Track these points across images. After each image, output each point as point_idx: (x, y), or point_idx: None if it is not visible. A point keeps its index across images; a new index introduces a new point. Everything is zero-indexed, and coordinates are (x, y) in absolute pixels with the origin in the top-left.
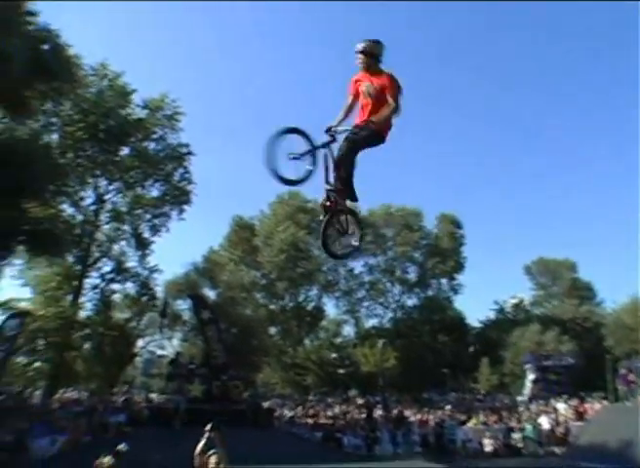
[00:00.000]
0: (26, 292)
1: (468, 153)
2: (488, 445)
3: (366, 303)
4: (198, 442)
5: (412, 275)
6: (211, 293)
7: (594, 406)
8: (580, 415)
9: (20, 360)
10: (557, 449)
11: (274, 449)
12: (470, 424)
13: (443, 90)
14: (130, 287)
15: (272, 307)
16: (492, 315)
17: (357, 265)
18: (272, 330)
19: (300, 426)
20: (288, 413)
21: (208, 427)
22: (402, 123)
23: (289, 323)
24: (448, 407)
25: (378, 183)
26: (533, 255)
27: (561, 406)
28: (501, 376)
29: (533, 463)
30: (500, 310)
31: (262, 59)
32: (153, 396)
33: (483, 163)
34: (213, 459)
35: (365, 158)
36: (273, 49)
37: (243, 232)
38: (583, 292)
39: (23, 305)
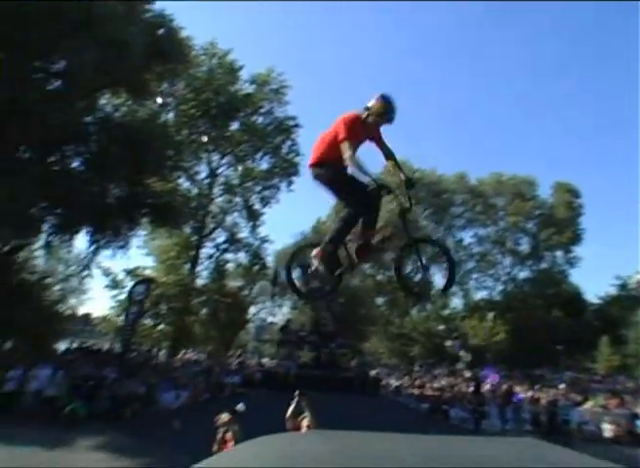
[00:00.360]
0: (150, 261)
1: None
2: (608, 430)
3: (475, 275)
4: (288, 406)
5: (524, 247)
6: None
7: None
8: None
9: (147, 322)
10: None
11: (381, 417)
12: (587, 406)
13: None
14: (242, 256)
15: (380, 277)
16: (613, 291)
17: (466, 236)
18: (379, 300)
19: (406, 396)
20: (394, 383)
21: (296, 392)
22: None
23: (396, 293)
24: (562, 385)
25: (487, 151)
26: None
27: None
28: (624, 358)
29: None
30: (623, 286)
31: (370, 27)
32: (265, 361)
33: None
34: (304, 423)
35: (474, 124)
36: (382, 14)
37: None
38: None
39: (148, 273)
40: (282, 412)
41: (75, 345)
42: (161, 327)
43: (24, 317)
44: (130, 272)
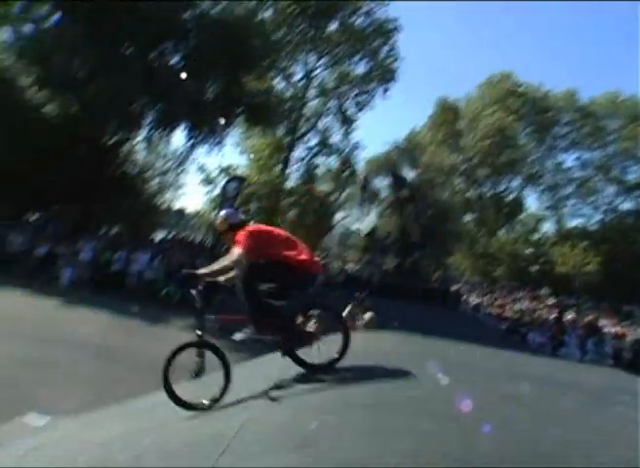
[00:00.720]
0: (243, 160)
1: None
2: None
3: (572, 201)
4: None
5: (632, 176)
6: (410, 174)
7: None
8: None
9: None
10: None
11: (458, 331)
12: None
13: None
14: (333, 161)
15: (470, 194)
16: None
17: (568, 159)
18: (467, 217)
19: (485, 314)
20: (474, 300)
21: (357, 294)
22: None
23: (485, 212)
24: None
25: (605, 67)
26: None
27: None
28: None
29: None
30: None
31: None
32: (347, 267)
33: None
34: (359, 323)
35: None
36: None
37: (447, 114)
38: None
39: (241, 171)
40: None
41: (171, 236)
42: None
43: (127, 206)
44: (224, 169)
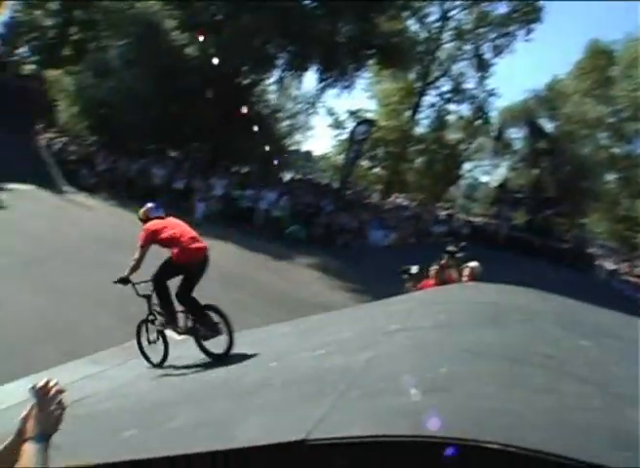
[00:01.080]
0: (373, 105)
1: None
2: None
3: None
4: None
5: None
6: (548, 126)
7: None
8: None
9: (364, 164)
10: None
11: (589, 297)
12: None
13: None
14: (465, 108)
15: (616, 150)
16: None
17: None
18: (610, 176)
19: (621, 282)
20: (610, 266)
21: (450, 247)
22: None
23: (632, 171)
24: None
25: None
26: None
27: None
28: None
29: None
30: None
31: None
32: (474, 219)
33: None
34: (454, 274)
35: None
36: None
37: (599, 59)
38: None
39: (370, 116)
40: (486, 269)
41: (299, 177)
42: (376, 170)
43: (258, 146)
44: (353, 113)
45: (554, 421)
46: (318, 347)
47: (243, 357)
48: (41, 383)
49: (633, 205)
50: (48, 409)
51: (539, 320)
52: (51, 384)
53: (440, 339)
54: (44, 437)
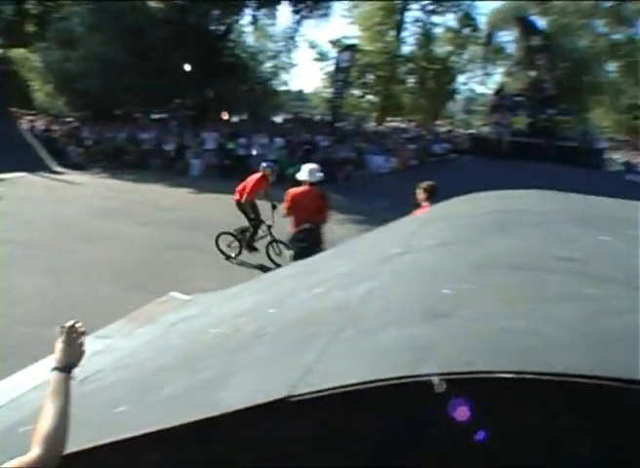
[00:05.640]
0: (355, 31)
1: None
2: None
3: None
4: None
5: None
6: (541, 22)
7: None
8: None
9: (356, 93)
10: None
11: (604, 193)
12: None
13: None
14: (451, 19)
15: (616, 37)
16: None
17: None
18: (612, 65)
19: (635, 173)
20: (621, 158)
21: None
22: None
23: (635, 55)
24: None
25: None
26: None
27: None
28: None
29: None
30: None
31: None
32: (474, 130)
33: None
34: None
35: None
36: None
37: None
38: None
39: (354, 42)
40: (492, 178)
41: (291, 117)
42: (369, 97)
43: (244, 92)
44: (335, 42)
45: (580, 333)
46: (318, 285)
47: (241, 307)
48: (70, 323)
49: (637, 92)
50: (74, 344)
51: (551, 221)
52: (77, 325)
53: (443, 258)
54: (69, 368)
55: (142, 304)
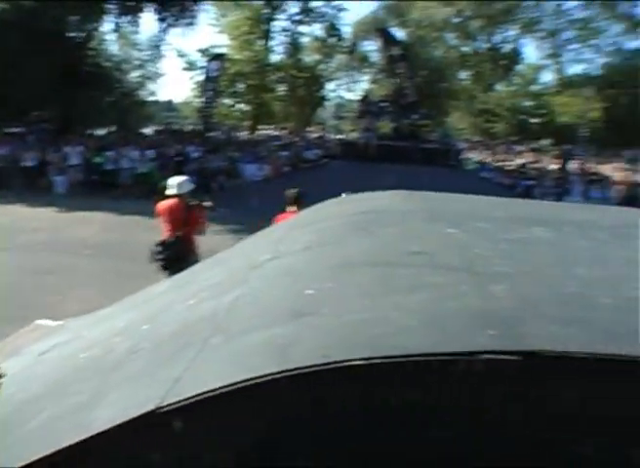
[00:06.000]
0: (224, 39)
1: None
2: None
3: (573, 46)
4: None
5: None
6: (400, 34)
7: None
8: None
9: (227, 102)
10: None
11: (463, 189)
12: None
13: None
14: (317, 29)
15: (465, 49)
16: None
17: None
18: (463, 74)
19: (489, 170)
20: (477, 158)
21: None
22: None
23: (481, 66)
24: None
25: None
26: None
27: None
28: None
29: None
30: None
31: None
32: (345, 136)
33: None
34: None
35: None
36: None
37: None
38: None
39: (222, 51)
40: (361, 181)
41: (162, 128)
42: (240, 106)
43: (110, 103)
44: (204, 51)
45: (425, 318)
46: (192, 297)
47: (115, 327)
48: None
49: (488, 97)
50: None
51: (407, 219)
52: None
53: (309, 261)
54: None
55: (2, 337)
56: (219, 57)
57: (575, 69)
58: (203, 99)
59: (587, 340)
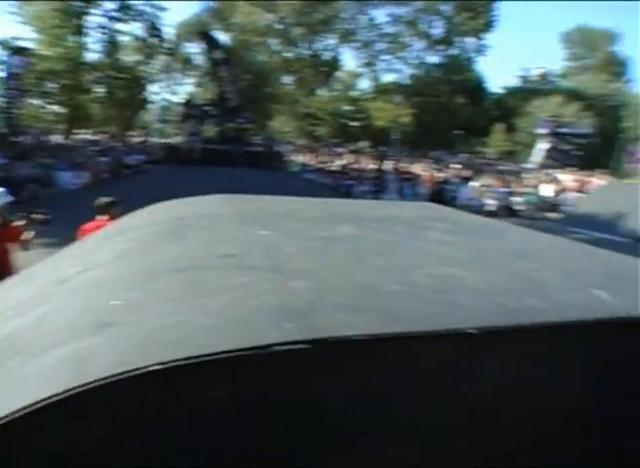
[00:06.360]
0: (29, 32)
1: None
2: (489, 205)
3: (385, 57)
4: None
5: (438, 31)
6: (223, 37)
7: (598, 180)
8: (582, 188)
9: (36, 102)
10: (554, 216)
11: (286, 190)
12: (475, 184)
13: None
14: (137, 27)
15: (287, 55)
16: (516, 83)
17: (379, 15)
18: (287, 79)
19: (311, 172)
20: (300, 160)
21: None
22: None
23: (304, 72)
24: (456, 166)
25: None
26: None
27: (566, 176)
28: (514, 144)
29: (527, 224)
30: (525, 79)
31: None
32: (170, 140)
33: None
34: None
35: None
36: None
37: None
38: (617, 68)
39: (28, 45)
40: (185, 186)
41: None
42: (53, 107)
43: None
44: (3, 43)
45: (223, 318)
46: None
47: None
48: None
49: (310, 102)
50: None
51: (223, 223)
52: None
53: (117, 271)
54: None
55: None
56: (22, 51)
57: (388, 78)
58: (5, 99)
59: (369, 324)
